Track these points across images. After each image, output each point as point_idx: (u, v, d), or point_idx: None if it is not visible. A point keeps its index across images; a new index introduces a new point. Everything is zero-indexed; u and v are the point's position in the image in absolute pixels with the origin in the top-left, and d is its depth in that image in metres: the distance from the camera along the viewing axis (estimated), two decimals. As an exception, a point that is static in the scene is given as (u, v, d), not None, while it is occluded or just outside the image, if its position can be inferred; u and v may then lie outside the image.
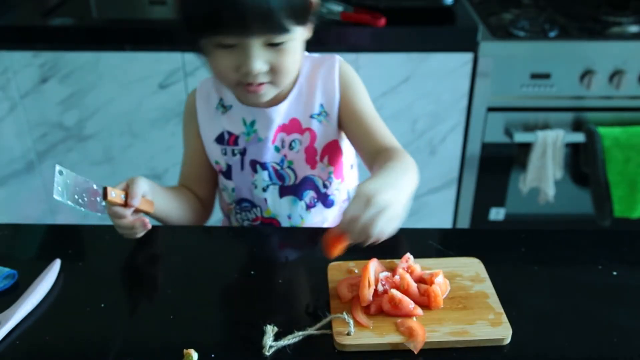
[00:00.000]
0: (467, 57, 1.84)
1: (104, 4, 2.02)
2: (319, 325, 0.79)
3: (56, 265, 0.89)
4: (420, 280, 0.85)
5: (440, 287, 0.83)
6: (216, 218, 2.17)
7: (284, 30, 0.91)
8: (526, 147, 1.94)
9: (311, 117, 1.08)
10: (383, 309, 0.81)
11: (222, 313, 0.86)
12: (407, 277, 0.83)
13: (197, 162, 1.15)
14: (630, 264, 0.92)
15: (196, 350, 0.75)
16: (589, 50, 1.84)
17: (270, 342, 0.76)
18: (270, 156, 1.09)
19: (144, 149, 2.03)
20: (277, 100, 1.06)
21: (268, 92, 0.99)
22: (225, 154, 1.11)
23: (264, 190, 1.12)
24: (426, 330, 0.77)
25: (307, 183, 1.12)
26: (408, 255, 0.88)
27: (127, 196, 0.95)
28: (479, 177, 2.03)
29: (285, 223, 1.14)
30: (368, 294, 0.81)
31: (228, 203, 1.19)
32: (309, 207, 1.14)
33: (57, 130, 2.01)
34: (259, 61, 0.92)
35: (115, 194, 0.93)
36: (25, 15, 1.99)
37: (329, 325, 0.79)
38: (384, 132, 1.06)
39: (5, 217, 2.16)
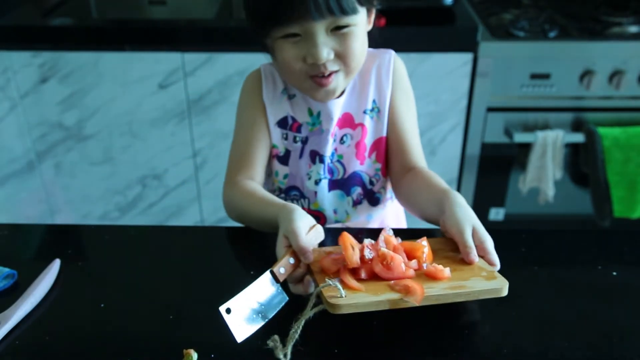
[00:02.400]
0: (467, 57, 1.84)
1: (104, 4, 2.03)
2: (310, 305, 0.74)
3: (56, 265, 0.89)
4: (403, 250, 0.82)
5: (427, 257, 0.81)
6: (219, 216, 2.17)
7: (351, 11, 0.91)
8: (526, 148, 1.94)
9: (364, 112, 1.08)
10: (375, 270, 0.77)
11: (221, 314, 0.86)
12: (393, 239, 0.81)
13: (258, 143, 1.06)
14: (630, 264, 0.92)
15: (196, 350, 0.75)
16: (588, 51, 1.84)
17: (282, 354, 0.72)
18: (329, 149, 1.08)
19: (144, 149, 2.03)
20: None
21: (338, 84, 0.98)
22: (286, 138, 1.08)
23: (316, 183, 1.10)
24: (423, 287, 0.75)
25: (355, 178, 1.11)
26: (386, 228, 0.84)
27: (294, 255, 0.80)
28: (479, 177, 2.03)
29: (331, 217, 1.12)
30: (353, 255, 0.77)
31: (273, 190, 1.15)
32: (355, 203, 1.12)
33: (57, 130, 2.01)
34: (325, 48, 0.92)
35: (285, 268, 0.79)
36: (25, 15, 1.99)
37: (321, 303, 0.75)
38: (419, 149, 1.09)
39: (5, 217, 2.16)
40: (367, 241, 0.80)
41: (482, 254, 0.82)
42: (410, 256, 0.80)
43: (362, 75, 1.07)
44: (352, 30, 0.93)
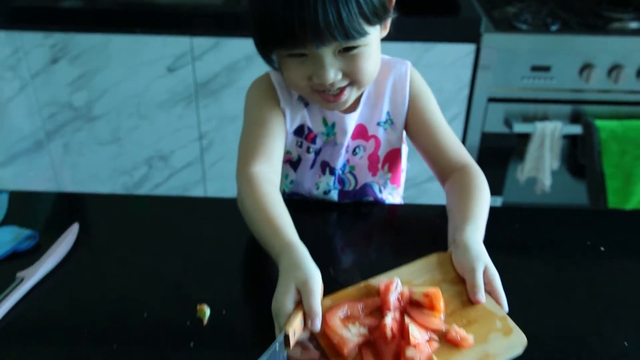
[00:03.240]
0: (470, 48, 1.88)
1: (115, -12, 2.06)
2: None
3: (75, 228, 0.94)
4: (414, 304, 0.77)
5: (442, 311, 0.76)
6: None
7: (359, 35, 0.85)
8: (525, 138, 1.98)
9: (378, 124, 1.05)
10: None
11: (232, 273, 0.91)
12: (406, 291, 0.77)
13: (276, 136, 0.99)
14: (617, 241, 0.97)
15: (208, 306, 0.80)
16: (588, 45, 1.88)
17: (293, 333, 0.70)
18: (340, 161, 1.06)
19: (151, 130, 2.07)
20: (352, 106, 1.01)
21: (350, 97, 0.94)
22: (300, 146, 1.05)
23: (325, 193, 1.09)
24: None
25: (366, 189, 1.11)
26: (396, 282, 0.78)
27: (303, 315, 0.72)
28: (479, 165, 2.07)
29: None
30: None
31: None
32: None
33: (66, 110, 2.05)
34: (332, 70, 0.87)
35: (296, 332, 0.71)
36: (38, -3, 2.02)
37: None
38: (455, 146, 1.03)
39: (13, 194, 2.20)
40: (389, 318, 0.73)
41: (489, 291, 0.79)
42: (429, 306, 0.76)
43: (377, 87, 1.03)
44: (361, 51, 0.88)
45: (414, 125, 1.04)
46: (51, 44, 1.93)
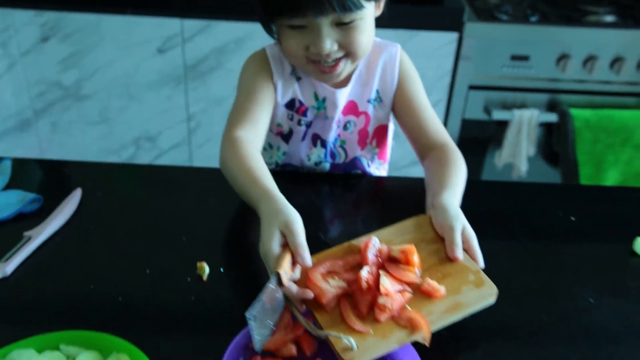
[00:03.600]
0: (453, 36, 1.95)
1: (106, -31, 2.09)
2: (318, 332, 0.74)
3: (78, 192, 0.99)
4: (392, 260, 0.81)
5: (417, 266, 0.80)
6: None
7: (355, 8, 0.91)
8: (503, 125, 2.06)
9: (368, 101, 1.11)
10: (376, 315, 0.75)
11: (229, 234, 0.97)
12: (384, 248, 0.82)
13: (263, 106, 1.05)
14: (587, 213, 1.05)
15: (207, 264, 0.86)
16: (566, 36, 1.96)
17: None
18: (332, 135, 1.12)
19: (140, 111, 2.11)
20: (343, 81, 1.07)
21: (344, 69, 1.01)
22: (291, 119, 1.11)
23: (316, 164, 1.15)
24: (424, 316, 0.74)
25: (356, 163, 1.17)
26: (374, 239, 0.82)
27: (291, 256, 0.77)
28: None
29: None
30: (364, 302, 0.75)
31: (270, 163, 1.17)
32: None
33: (55, 89, 2.07)
34: (329, 40, 0.94)
35: (287, 272, 0.75)
36: (28, -25, 2.04)
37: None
38: (437, 126, 1.09)
39: (0, 172, 2.21)
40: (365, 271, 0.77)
41: (467, 249, 0.83)
42: (404, 261, 0.80)
43: (368, 66, 1.09)
44: (357, 25, 0.95)
45: (400, 104, 1.11)
46: (42, 22, 1.95)
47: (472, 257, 0.83)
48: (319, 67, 0.99)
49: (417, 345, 0.73)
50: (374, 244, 0.81)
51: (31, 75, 2.05)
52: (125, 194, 1.05)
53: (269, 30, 1.02)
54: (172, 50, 2.00)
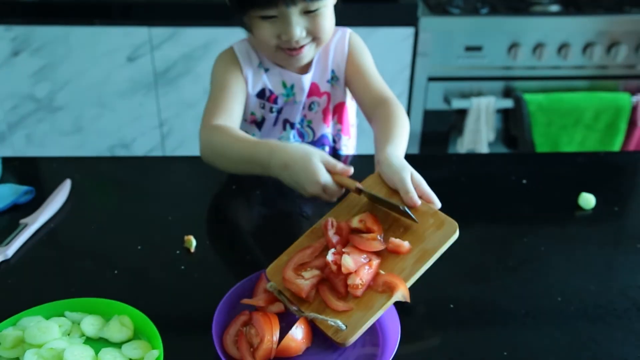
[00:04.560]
0: (409, 31, 2.06)
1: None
2: (312, 316, 0.78)
3: (67, 183, 1.05)
4: (355, 232, 0.85)
5: (378, 230, 0.85)
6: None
7: None
8: (462, 114, 2.18)
9: (327, 81, 1.21)
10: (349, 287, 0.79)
11: (213, 212, 1.05)
12: (343, 226, 0.86)
13: (236, 96, 1.13)
14: (535, 174, 1.16)
15: (194, 237, 0.93)
16: (515, 26, 2.09)
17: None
18: (298, 117, 1.23)
19: (113, 119, 2.16)
20: (306, 67, 1.18)
21: (308, 53, 1.10)
22: (263, 107, 1.21)
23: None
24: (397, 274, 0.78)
25: (323, 139, 1.27)
26: (330, 220, 0.87)
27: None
28: (421, 141, 2.26)
29: None
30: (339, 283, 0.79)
31: None
32: None
33: (28, 102, 2.12)
34: (298, 28, 1.03)
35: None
36: (-4, -8, 2.09)
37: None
38: (379, 83, 1.18)
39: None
40: (330, 254, 0.81)
41: (420, 194, 0.87)
42: (366, 229, 0.85)
43: (324, 49, 1.19)
44: (322, 12, 1.05)
45: (349, 73, 1.20)
46: (12, 37, 2.00)
47: (427, 200, 0.87)
48: (288, 52, 1.08)
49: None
50: (332, 223, 0.86)
51: (4, 89, 2.09)
52: (110, 183, 1.12)
53: (240, 23, 1.10)
54: (142, 58, 2.06)
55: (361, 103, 1.19)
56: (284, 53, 1.09)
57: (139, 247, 0.93)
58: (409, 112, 2.20)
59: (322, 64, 1.20)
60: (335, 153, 1.31)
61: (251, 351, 0.74)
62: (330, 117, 1.27)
